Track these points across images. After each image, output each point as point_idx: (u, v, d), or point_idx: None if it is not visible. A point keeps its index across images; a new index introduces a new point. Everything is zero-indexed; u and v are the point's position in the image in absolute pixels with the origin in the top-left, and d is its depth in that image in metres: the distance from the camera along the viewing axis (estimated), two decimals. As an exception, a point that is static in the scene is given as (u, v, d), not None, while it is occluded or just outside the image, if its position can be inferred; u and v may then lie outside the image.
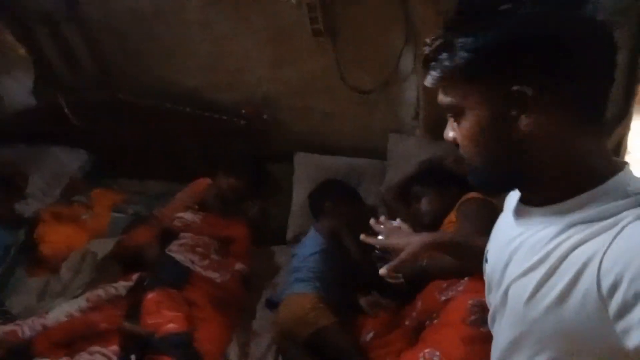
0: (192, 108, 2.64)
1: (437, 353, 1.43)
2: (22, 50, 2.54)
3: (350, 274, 2.03)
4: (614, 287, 0.54)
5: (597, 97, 0.65)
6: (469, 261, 1.09)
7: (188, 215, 2.30)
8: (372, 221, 1.31)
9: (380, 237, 1.22)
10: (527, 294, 0.66)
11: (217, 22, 2.42)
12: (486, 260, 0.84)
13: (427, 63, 0.70)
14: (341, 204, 2.23)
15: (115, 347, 1.77)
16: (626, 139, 2.11)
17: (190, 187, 2.50)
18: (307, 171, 2.53)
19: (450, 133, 0.74)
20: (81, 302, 1.94)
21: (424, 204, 2.02)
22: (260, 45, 2.45)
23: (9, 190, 2.46)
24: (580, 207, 0.63)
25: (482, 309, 1.43)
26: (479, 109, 0.66)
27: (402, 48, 2.22)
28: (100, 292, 1.97)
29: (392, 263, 1.12)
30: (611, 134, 2.01)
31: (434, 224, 1.93)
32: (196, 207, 2.37)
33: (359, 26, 2.25)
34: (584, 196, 0.63)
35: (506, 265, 0.73)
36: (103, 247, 2.37)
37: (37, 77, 2.58)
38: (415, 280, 1.72)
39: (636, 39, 1.85)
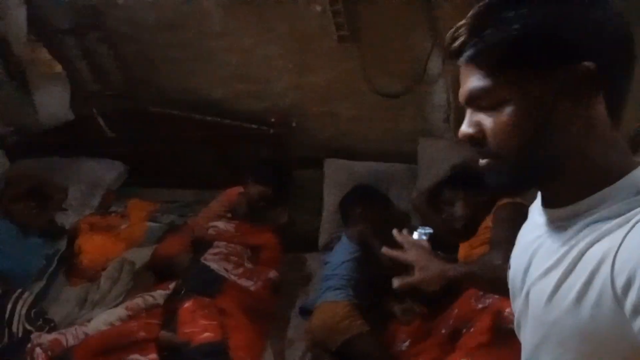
0: (220, 117, 2.68)
1: (474, 362, 1.41)
2: (58, 67, 2.63)
3: (383, 281, 2.02)
4: (628, 285, 0.53)
5: (627, 86, 0.64)
6: (491, 290, 1.09)
7: (221, 224, 2.34)
8: (394, 231, 1.30)
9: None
10: (546, 296, 0.65)
11: (241, 32, 2.45)
12: (509, 267, 0.83)
13: (469, 39, 0.64)
14: (372, 210, 2.22)
15: (154, 356, 1.81)
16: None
17: (222, 195, 2.53)
18: (337, 177, 2.53)
19: (470, 129, 0.67)
20: (121, 311, 1.99)
21: (457, 209, 1.99)
22: (285, 53, 2.47)
23: (48, 202, 2.54)
24: (595, 206, 0.62)
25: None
26: (524, 93, 0.62)
27: (430, 50, 2.20)
28: (139, 301, 2.03)
29: (406, 280, 1.12)
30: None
31: (466, 230, 1.90)
32: (229, 215, 2.40)
33: (383, 30, 2.24)
34: (598, 195, 0.62)
35: (527, 269, 0.73)
36: (140, 256, 2.43)
37: (73, 91, 2.67)
38: (450, 286, 1.69)
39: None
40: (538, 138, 0.62)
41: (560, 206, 0.68)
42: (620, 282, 0.54)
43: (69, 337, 1.89)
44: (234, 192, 2.51)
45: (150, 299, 2.03)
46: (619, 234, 0.57)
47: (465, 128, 0.67)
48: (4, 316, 2.00)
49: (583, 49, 0.60)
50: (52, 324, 2.08)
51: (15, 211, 2.41)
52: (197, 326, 1.84)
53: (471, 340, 1.52)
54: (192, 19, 2.46)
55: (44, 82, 2.65)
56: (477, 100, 0.65)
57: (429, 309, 1.86)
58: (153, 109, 2.74)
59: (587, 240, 0.61)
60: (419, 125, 2.44)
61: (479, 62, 0.64)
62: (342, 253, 2.05)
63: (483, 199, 1.90)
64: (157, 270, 2.34)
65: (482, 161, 0.68)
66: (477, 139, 0.66)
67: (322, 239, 2.48)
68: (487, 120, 0.65)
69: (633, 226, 0.56)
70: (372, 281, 2.01)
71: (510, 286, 0.82)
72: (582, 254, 0.61)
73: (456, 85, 2.25)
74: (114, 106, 2.82)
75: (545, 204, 0.72)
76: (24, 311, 2.04)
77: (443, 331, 1.69)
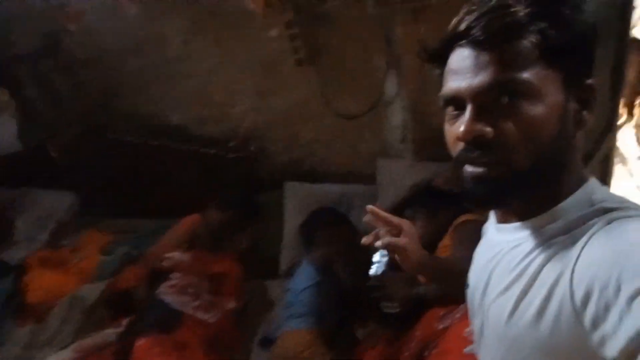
0: (179, 143, 2.63)
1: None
2: (5, 96, 2.53)
3: (346, 306, 1.98)
4: (587, 298, 0.53)
5: None
6: (452, 286, 1.01)
7: (177, 255, 2.25)
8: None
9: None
10: (506, 313, 0.64)
11: (199, 56, 2.44)
12: (467, 286, 0.82)
13: (513, 25, 0.58)
14: (333, 233, 2.19)
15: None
16: (613, 152, 2.17)
17: (178, 224, 2.45)
18: (297, 200, 2.49)
19: (487, 127, 0.59)
20: (69, 353, 1.87)
21: (417, 228, 1.98)
22: (245, 77, 2.46)
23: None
24: (552, 220, 0.63)
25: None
26: (556, 94, 0.59)
27: (386, 71, 2.22)
28: (88, 341, 1.91)
29: (393, 240, 0.99)
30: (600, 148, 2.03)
31: (428, 249, 1.88)
32: (185, 245, 2.31)
33: (340, 52, 2.27)
34: (554, 210, 0.63)
35: (485, 287, 0.72)
36: (92, 292, 2.30)
37: (22, 119, 2.57)
38: (412, 307, 1.67)
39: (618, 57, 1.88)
40: (554, 146, 0.60)
41: (516, 221, 0.67)
42: (578, 295, 0.54)
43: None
44: (190, 220, 2.43)
45: (100, 338, 1.91)
46: (574, 248, 0.57)
47: (479, 126, 0.60)
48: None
49: (589, 66, 0.62)
50: (-3, 369, 1.93)
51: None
52: (153, 365, 1.74)
53: (436, 362, 1.48)
54: (151, 44, 2.43)
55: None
56: (507, 90, 0.59)
57: (393, 332, 1.82)
58: (110, 136, 2.65)
59: (544, 255, 0.61)
60: (377, 146, 2.45)
61: (524, 51, 0.58)
62: (304, 279, 2.00)
63: (444, 217, 1.90)
64: (111, 306, 2.22)
65: (477, 169, 0.62)
66: (487, 141, 0.60)
67: (283, 265, 2.41)
68: (507, 119, 0.59)
69: (588, 240, 0.56)
70: (336, 306, 1.97)
71: (469, 304, 0.82)
72: (540, 269, 0.60)
73: (414, 105, 2.28)
74: (72, 135, 2.72)
75: (501, 221, 0.72)
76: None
77: (407, 354, 1.66)
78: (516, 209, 0.67)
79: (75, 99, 2.69)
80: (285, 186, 2.56)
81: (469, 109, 0.61)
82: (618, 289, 0.50)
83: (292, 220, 2.43)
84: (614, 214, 0.58)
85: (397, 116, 2.31)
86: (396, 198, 2.14)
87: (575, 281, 0.55)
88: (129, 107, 2.67)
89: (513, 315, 0.63)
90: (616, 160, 2.30)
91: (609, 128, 2.04)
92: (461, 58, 0.62)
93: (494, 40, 0.59)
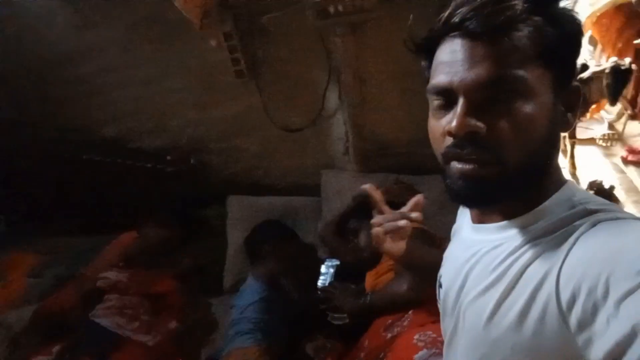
0: (115, 156, 2.51)
1: (388, 395, 1.37)
2: None
3: (294, 320, 1.95)
4: (573, 299, 0.53)
5: None
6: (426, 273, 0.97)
7: (112, 274, 2.12)
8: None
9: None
10: (486, 314, 0.63)
11: (137, 66, 2.35)
12: (440, 286, 0.80)
13: (511, 18, 0.57)
14: (279, 246, 2.16)
15: None
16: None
17: (114, 242, 2.33)
18: (241, 214, 2.45)
19: (479, 122, 0.58)
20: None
21: (362, 238, 2.00)
22: (184, 88, 2.40)
23: None
24: (535, 221, 0.62)
25: (428, 343, 1.40)
26: (547, 94, 0.59)
27: (327, 84, 2.24)
28: (13, 372, 1.75)
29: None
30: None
31: (374, 258, 1.91)
32: (121, 264, 2.20)
33: (281, 65, 2.25)
34: (536, 210, 0.63)
35: (462, 287, 0.71)
36: (19, 317, 2.13)
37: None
38: (360, 317, 1.67)
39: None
40: (542, 146, 0.60)
41: (496, 221, 0.67)
42: (565, 296, 0.53)
43: None
44: (128, 238, 2.32)
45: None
46: (560, 250, 0.57)
47: (473, 121, 0.58)
48: None
49: (574, 70, 0.63)
50: None
51: None
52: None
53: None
54: (87, 53, 2.31)
55: None
56: (502, 86, 0.57)
57: (343, 344, 1.81)
58: (43, 149, 2.49)
59: (527, 256, 0.60)
60: (321, 158, 2.45)
61: (520, 46, 0.57)
62: (249, 294, 1.95)
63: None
64: (41, 332, 2.05)
65: (467, 166, 0.60)
66: (478, 137, 0.58)
67: (228, 281, 2.35)
68: (500, 115, 0.58)
69: (575, 241, 0.56)
70: (284, 321, 1.93)
71: (441, 305, 0.80)
72: (522, 271, 0.60)
73: (354, 117, 2.29)
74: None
75: (479, 221, 0.71)
76: None
77: (356, 365, 1.65)
78: (500, 209, 0.66)
79: (6, 108, 2.50)
80: (228, 200, 2.50)
81: (461, 103, 0.59)
82: (606, 291, 0.50)
83: (236, 234, 2.38)
84: (600, 216, 0.58)
85: (339, 129, 2.33)
86: (340, 209, 2.15)
87: (561, 282, 0.54)
88: (62, 120, 2.52)
89: (493, 317, 0.62)
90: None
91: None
92: (454, 50, 0.60)
93: (492, 33, 0.57)
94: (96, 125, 2.52)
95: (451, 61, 0.60)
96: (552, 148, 0.64)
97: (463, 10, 0.58)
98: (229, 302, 2.12)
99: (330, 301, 1.71)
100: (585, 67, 2.00)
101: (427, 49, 0.65)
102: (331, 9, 1.86)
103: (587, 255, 0.54)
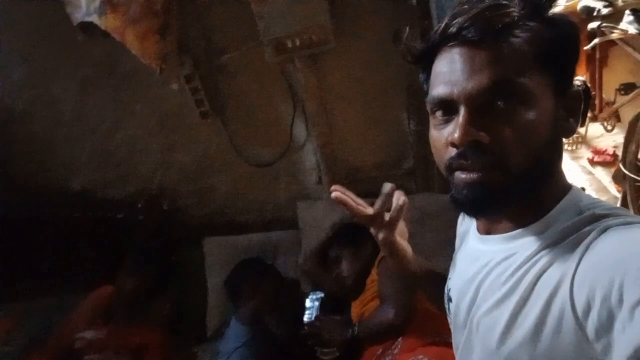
0: (82, 210, 2.43)
1: None
2: None
3: (282, 359, 1.89)
4: (588, 306, 0.52)
5: None
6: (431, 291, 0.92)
7: (89, 334, 2.02)
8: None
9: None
10: (500, 328, 0.61)
11: (96, 113, 2.31)
12: (450, 300, 0.78)
13: (510, 24, 0.57)
14: (259, 284, 2.11)
15: None
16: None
17: (88, 299, 2.22)
18: (219, 255, 2.38)
19: (479, 132, 0.58)
20: None
21: (344, 267, 1.97)
22: (148, 134, 2.38)
23: None
24: (544, 229, 0.61)
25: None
26: (548, 100, 0.59)
27: (293, 116, 2.25)
28: None
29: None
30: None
31: (356, 286, 1.88)
32: (99, 320, 2.10)
33: (245, 101, 2.27)
34: (545, 218, 0.62)
35: (473, 300, 0.69)
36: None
37: None
38: (349, 350, 1.63)
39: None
40: (545, 152, 0.60)
41: (504, 232, 0.66)
42: (580, 303, 0.53)
43: None
44: (102, 292, 2.22)
45: None
46: (572, 256, 0.56)
47: (473, 132, 0.57)
48: None
49: (573, 75, 0.63)
50: None
51: None
52: None
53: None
54: (41, 107, 2.26)
55: None
56: (503, 92, 0.57)
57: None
58: (5, 212, 2.38)
59: (540, 265, 0.59)
60: (294, 190, 2.44)
61: (519, 52, 0.57)
62: (234, 338, 1.89)
63: (367, 253, 1.91)
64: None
65: (472, 175, 0.59)
66: (482, 145, 0.58)
67: (211, 326, 2.27)
68: (503, 123, 0.57)
69: (587, 248, 0.55)
70: (270, 362, 1.87)
71: (451, 320, 0.78)
72: (536, 280, 0.58)
73: (324, 146, 2.29)
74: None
75: (486, 232, 0.70)
76: None
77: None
78: (507, 218, 0.66)
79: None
80: (204, 242, 2.44)
81: (462, 113, 0.58)
82: (621, 298, 0.49)
83: (216, 276, 2.31)
84: (609, 221, 0.57)
85: (310, 159, 2.33)
86: (319, 239, 2.13)
87: (575, 289, 0.54)
88: (23, 177, 2.43)
89: (509, 330, 0.60)
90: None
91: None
92: (452, 60, 0.60)
93: (490, 40, 0.57)
94: (61, 179, 2.45)
95: (450, 71, 0.60)
96: (555, 153, 0.63)
97: (460, 20, 0.58)
98: (213, 349, 2.05)
99: (317, 336, 1.66)
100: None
101: (425, 61, 0.65)
102: (289, 44, 1.89)
103: (599, 261, 0.53)
